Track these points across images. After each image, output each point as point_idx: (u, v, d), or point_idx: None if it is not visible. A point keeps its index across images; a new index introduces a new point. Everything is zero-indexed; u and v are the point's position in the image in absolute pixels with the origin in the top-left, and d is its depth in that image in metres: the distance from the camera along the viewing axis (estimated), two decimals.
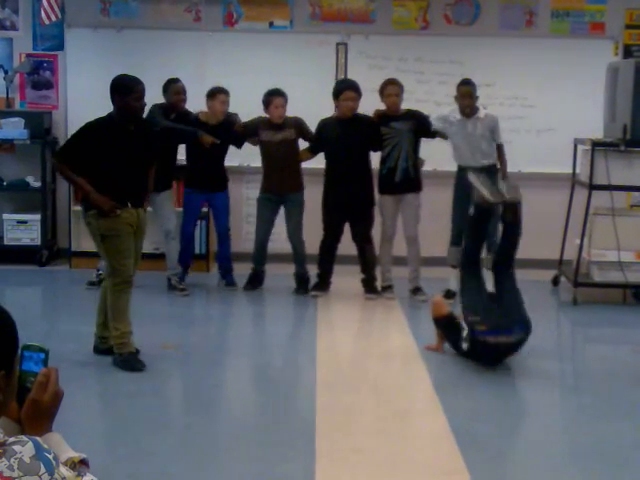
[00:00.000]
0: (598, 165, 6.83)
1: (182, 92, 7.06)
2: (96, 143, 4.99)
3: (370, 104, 7.06)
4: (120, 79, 5.11)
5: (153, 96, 7.55)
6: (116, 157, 4.98)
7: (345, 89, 6.92)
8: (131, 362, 5.02)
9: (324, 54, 8.26)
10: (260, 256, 7.28)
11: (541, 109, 8.24)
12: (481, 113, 6.92)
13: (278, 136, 7.02)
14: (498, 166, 6.99)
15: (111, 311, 5.11)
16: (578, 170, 7.50)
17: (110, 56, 8.30)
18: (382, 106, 7.03)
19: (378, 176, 7.03)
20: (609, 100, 7.10)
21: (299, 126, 7.10)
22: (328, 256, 7.14)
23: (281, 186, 7.09)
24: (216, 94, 7.01)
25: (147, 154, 5.22)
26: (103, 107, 8.02)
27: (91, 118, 7.96)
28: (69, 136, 5.45)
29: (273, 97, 6.98)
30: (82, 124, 5.20)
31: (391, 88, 6.91)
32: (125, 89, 4.99)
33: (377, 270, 7.14)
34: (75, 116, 8.28)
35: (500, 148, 7.04)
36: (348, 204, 6.99)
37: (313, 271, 7.20)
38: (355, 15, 8.33)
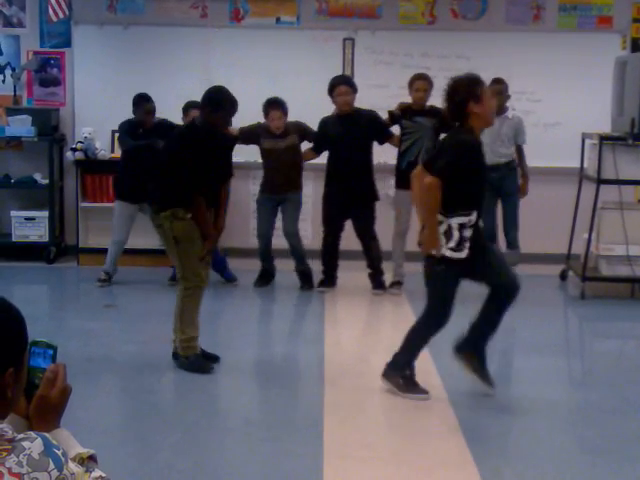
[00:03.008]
0: (606, 159, 6.81)
1: (152, 112, 7.08)
2: (194, 153, 4.90)
3: (377, 99, 7.06)
4: (216, 94, 4.98)
5: (160, 94, 7.60)
6: (201, 168, 4.89)
7: (337, 84, 6.92)
8: (199, 364, 5.02)
9: (331, 50, 8.26)
10: (266, 254, 7.27)
11: (548, 103, 8.22)
12: (509, 113, 7.03)
13: (282, 144, 7.01)
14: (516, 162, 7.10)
15: (180, 315, 5.06)
16: (586, 164, 7.48)
17: (117, 53, 8.33)
18: (385, 102, 7.04)
19: (396, 170, 7.02)
20: (617, 94, 7.07)
21: (301, 130, 7.09)
22: (331, 253, 7.14)
23: (281, 188, 7.09)
24: (188, 110, 6.89)
25: (221, 167, 5.13)
26: (110, 103, 8.17)
27: (98, 115, 8.19)
28: (181, 165, 4.92)
29: (270, 109, 6.95)
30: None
31: (420, 83, 6.89)
32: (217, 105, 4.89)
33: (387, 265, 7.14)
34: (82, 113, 8.33)
35: (521, 149, 7.09)
36: (349, 200, 6.98)
37: (318, 267, 7.20)
38: (362, 10, 8.32)
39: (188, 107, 6.95)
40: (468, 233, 4.37)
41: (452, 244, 4.37)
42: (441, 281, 4.50)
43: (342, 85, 6.90)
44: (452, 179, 4.36)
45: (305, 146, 7.21)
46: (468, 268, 4.46)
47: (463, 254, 4.38)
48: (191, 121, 5.09)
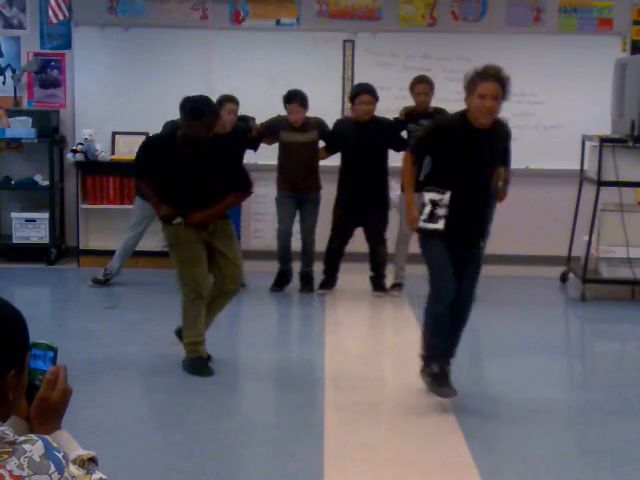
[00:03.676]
0: (606, 161, 6.82)
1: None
2: (154, 160, 4.94)
3: (379, 102, 7.03)
4: (198, 103, 4.77)
5: (160, 95, 7.61)
6: (172, 176, 4.91)
7: (360, 93, 6.89)
8: (197, 366, 5.01)
9: (331, 51, 8.26)
10: (286, 254, 7.20)
11: (549, 105, 8.22)
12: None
13: (301, 138, 6.97)
14: None
15: (183, 320, 5.08)
16: (586, 166, 7.49)
17: (117, 54, 8.33)
18: (386, 104, 7.04)
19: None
20: (617, 96, 7.08)
21: (321, 128, 7.06)
22: (335, 256, 7.12)
23: (301, 186, 7.05)
24: (223, 103, 6.80)
25: (207, 178, 4.93)
26: (110, 105, 8.18)
27: (99, 116, 8.20)
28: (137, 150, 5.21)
29: (288, 103, 6.90)
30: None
31: (421, 87, 6.90)
32: (198, 115, 4.70)
33: (388, 268, 7.13)
34: (83, 114, 8.33)
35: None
36: (361, 207, 6.95)
37: (319, 268, 7.18)
38: (362, 12, 8.32)
39: (221, 101, 6.76)
40: (442, 212, 4.45)
41: (424, 216, 4.49)
42: (427, 251, 4.57)
43: (365, 94, 6.85)
44: (427, 155, 4.58)
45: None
46: (450, 244, 4.47)
47: (438, 225, 4.45)
48: (174, 131, 5.05)
